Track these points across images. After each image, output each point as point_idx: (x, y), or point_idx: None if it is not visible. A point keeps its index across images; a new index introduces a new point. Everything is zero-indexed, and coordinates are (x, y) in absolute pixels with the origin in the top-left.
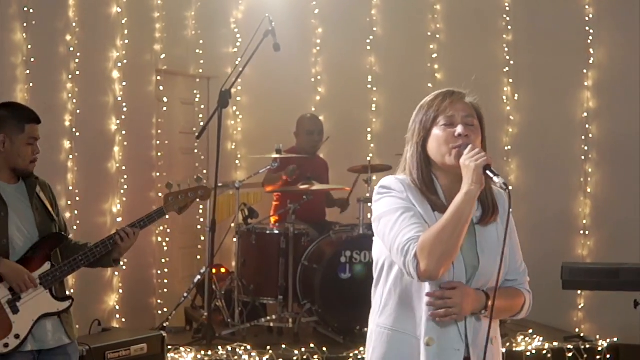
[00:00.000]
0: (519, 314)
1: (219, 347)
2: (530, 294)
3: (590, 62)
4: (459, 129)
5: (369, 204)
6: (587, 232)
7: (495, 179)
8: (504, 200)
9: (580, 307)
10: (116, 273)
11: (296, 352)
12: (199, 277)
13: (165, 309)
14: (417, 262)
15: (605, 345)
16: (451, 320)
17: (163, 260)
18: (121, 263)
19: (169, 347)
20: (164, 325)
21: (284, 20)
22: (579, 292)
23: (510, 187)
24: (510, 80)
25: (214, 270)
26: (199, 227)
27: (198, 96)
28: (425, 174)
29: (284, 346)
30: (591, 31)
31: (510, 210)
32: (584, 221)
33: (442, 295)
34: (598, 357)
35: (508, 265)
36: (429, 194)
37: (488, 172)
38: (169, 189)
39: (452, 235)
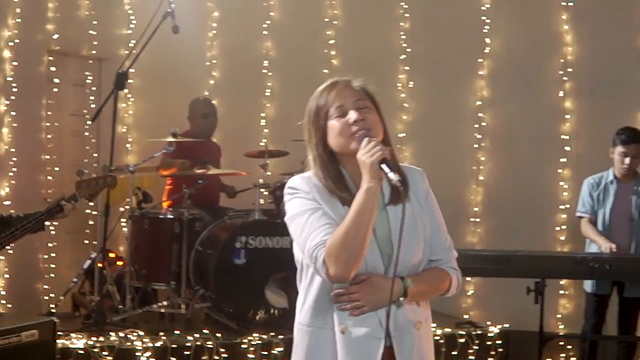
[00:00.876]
0: (446, 293)
1: (111, 333)
2: (458, 271)
3: (486, 51)
4: (352, 115)
5: (263, 191)
6: (477, 220)
7: (390, 175)
8: (416, 175)
9: (469, 293)
10: (1, 257)
11: (190, 338)
12: (89, 262)
13: (52, 295)
14: (326, 268)
15: (497, 331)
16: (361, 313)
17: (50, 245)
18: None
19: (60, 333)
20: (52, 311)
21: (180, 2)
22: (468, 278)
23: (400, 186)
24: (406, 68)
25: None
26: (87, 211)
27: (90, 78)
28: (332, 172)
29: (177, 332)
30: (487, 21)
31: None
32: (475, 208)
33: (346, 291)
34: (489, 342)
35: (432, 244)
36: (338, 191)
37: (384, 166)
38: (80, 176)
39: (357, 237)
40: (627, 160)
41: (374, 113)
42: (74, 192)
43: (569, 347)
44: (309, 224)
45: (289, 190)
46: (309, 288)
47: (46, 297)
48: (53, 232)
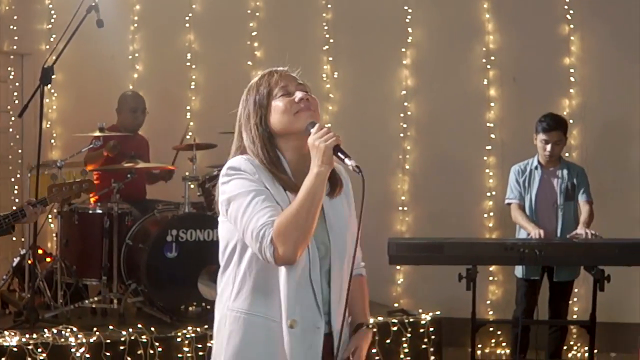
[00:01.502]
0: None
1: (45, 330)
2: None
3: (409, 40)
4: (298, 94)
5: (190, 184)
6: (405, 208)
7: (347, 160)
8: (346, 175)
9: (399, 282)
10: None
11: (124, 332)
12: (18, 258)
13: None
14: (274, 247)
15: (429, 318)
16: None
17: None
18: None
19: None
20: None
21: None
22: (398, 267)
23: (359, 172)
24: (330, 59)
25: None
26: (14, 207)
27: (12, 74)
28: (272, 153)
29: (111, 327)
30: (409, 10)
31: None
32: (403, 197)
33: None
34: (422, 330)
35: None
36: (279, 173)
37: (339, 153)
38: (53, 180)
39: (307, 219)
40: (549, 147)
41: (316, 103)
42: (44, 196)
43: (499, 332)
44: (253, 204)
45: (229, 171)
46: (246, 274)
47: None
48: None
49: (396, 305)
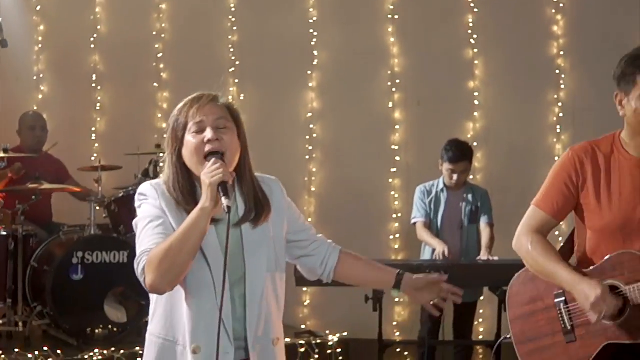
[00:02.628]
0: None
1: None
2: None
3: (314, 63)
4: (208, 134)
5: (96, 206)
6: None
7: (223, 199)
8: (274, 185)
9: (306, 303)
10: None
11: (30, 355)
12: None
13: None
14: (144, 275)
15: (336, 339)
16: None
17: None
18: None
19: None
20: None
21: (6, 15)
22: (305, 289)
23: (227, 212)
24: (236, 81)
25: None
26: None
27: None
28: (182, 183)
29: (16, 350)
30: (315, 33)
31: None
32: (309, 219)
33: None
34: (329, 351)
35: (304, 237)
36: (183, 204)
37: (220, 190)
38: None
39: (181, 252)
40: (455, 176)
41: (232, 134)
42: None
43: (406, 353)
44: (145, 231)
45: (139, 196)
46: (158, 298)
47: None
48: None
49: (303, 326)
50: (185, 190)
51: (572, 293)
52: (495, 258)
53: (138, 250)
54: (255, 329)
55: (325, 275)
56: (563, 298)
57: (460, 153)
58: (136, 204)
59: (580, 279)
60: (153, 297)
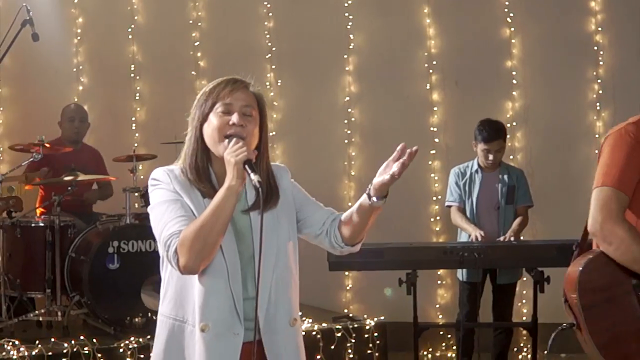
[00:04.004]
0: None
1: None
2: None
3: (351, 47)
4: (234, 118)
5: (135, 194)
6: None
7: (252, 175)
8: (280, 172)
9: (348, 287)
10: None
11: (66, 345)
12: None
13: None
14: (177, 257)
15: (373, 323)
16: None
17: None
18: None
19: None
20: None
21: (44, 10)
22: (347, 273)
23: (259, 187)
24: (273, 67)
25: None
26: None
27: None
28: (199, 159)
29: (53, 339)
30: (350, 17)
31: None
32: (349, 203)
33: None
34: (366, 335)
35: (315, 218)
36: (198, 183)
37: (247, 167)
38: None
39: (212, 231)
40: (491, 156)
41: (255, 125)
42: None
43: (449, 335)
44: (167, 214)
45: (151, 181)
46: (169, 279)
47: None
48: None
49: (346, 311)
50: (201, 168)
51: None
52: (512, 239)
53: (163, 234)
54: (267, 310)
55: (332, 238)
56: None
57: (494, 132)
58: (149, 190)
59: None
60: (164, 278)
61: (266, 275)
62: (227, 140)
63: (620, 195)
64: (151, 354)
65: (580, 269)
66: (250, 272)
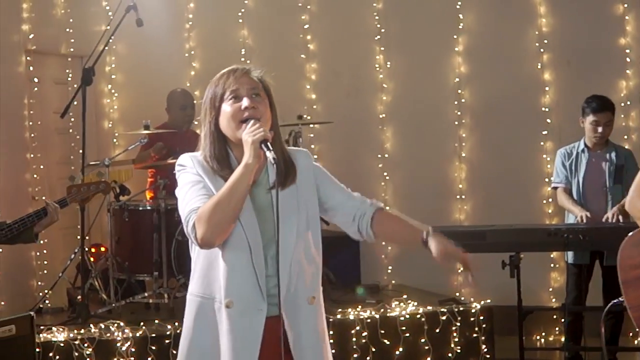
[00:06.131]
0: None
1: (92, 325)
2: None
3: (460, 27)
4: (245, 102)
5: None
6: (463, 197)
7: (268, 153)
8: (301, 156)
9: (460, 270)
10: None
11: (169, 326)
12: (72, 256)
13: (47, 291)
14: (195, 231)
15: (479, 307)
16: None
17: (42, 242)
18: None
19: (42, 327)
20: (41, 306)
21: None
22: None
23: (274, 163)
24: (382, 48)
25: (93, 250)
26: (77, 207)
27: (70, 75)
28: (218, 151)
29: (157, 321)
30: None
31: (275, 184)
32: (460, 186)
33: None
34: (472, 318)
35: (344, 206)
36: (220, 171)
37: (263, 146)
38: (71, 181)
39: (228, 205)
40: (600, 129)
41: (266, 105)
42: (64, 197)
43: (563, 320)
44: (189, 193)
45: (177, 167)
46: (197, 258)
47: (41, 294)
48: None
49: (457, 294)
50: (221, 157)
51: None
52: (619, 217)
53: (185, 210)
54: (287, 287)
55: (364, 234)
56: None
57: (603, 103)
58: (176, 175)
59: None
60: (193, 258)
61: (286, 252)
62: (244, 125)
63: None
64: (181, 333)
65: (622, 245)
66: (272, 250)
